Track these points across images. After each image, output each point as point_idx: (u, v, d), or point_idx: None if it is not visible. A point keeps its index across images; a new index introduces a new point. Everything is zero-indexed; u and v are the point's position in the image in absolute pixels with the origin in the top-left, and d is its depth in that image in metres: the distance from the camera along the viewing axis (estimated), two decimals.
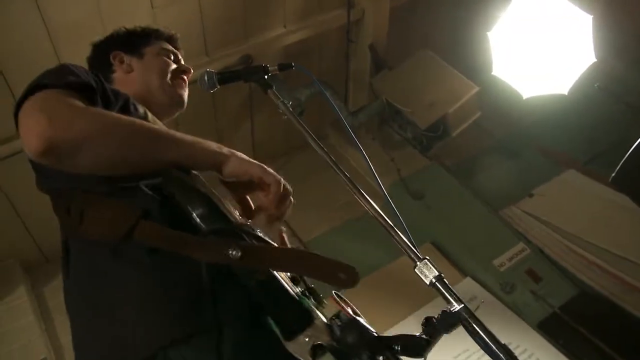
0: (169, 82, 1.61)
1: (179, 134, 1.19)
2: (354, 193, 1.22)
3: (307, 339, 0.99)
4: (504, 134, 4.59)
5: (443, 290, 1.02)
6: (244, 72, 1.48)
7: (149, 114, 1.37)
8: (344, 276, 1.05)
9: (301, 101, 3.65)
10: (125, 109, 1.27)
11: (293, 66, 1.51)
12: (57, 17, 2.81)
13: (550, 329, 3.33)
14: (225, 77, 1.51)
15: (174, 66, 1.66)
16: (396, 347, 1.00)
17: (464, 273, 3.65)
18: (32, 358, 3.00)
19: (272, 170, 1.22)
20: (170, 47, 1.71)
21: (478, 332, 0.98)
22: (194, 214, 1.03)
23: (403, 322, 3.32)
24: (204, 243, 1.01)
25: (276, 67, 1.47)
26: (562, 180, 4.18)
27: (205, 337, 0.98)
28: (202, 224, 1.02)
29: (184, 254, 1.00)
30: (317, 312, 1.08)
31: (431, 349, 1.01)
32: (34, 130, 1.01)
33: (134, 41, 1.67)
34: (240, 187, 1.23)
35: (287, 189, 1.23)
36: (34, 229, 3.36)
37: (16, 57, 2.78)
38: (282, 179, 1.22)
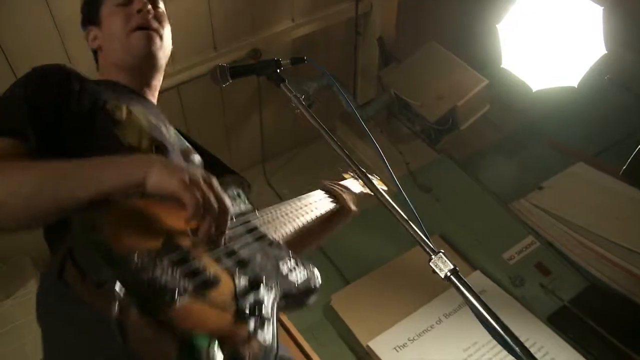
0: (127, 36, 1.41)
1: (90, 168, 1.05)
2: (368, 186, 1.21)
3: None
4: (513, 127, 4.57)
5: (458, 284, 1.02)
6: (257, 67, 1.47)
7: (123, 111, 1.28)
8: None
9: (309, 94, 3.66)
10: (93, 113, 1.21)
11: (305, 60, 1.50)
12: (65, 10, 2.80)
13: (560, 322, 3.33)
14: (238, 71, 1.49)
15: (125, 16, 1.42)
16: None
17: (473, 266, 3.64)
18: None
19: (198, 183, 1.03)
20: None
21: (490, 322, 0.98)
22: (88, 266, 0.91)
23: (414, 314, 3.33)
24: (99, 294, 0.89)
25: (289, 61, 1.47)
26: (572, 173, 4.16)
27: None
28: (93, 277, 0.90)
29: (90, 303, 0.91)
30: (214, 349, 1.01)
31: None
32: None
33: (91, 8, 1.50)
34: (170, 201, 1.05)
35: (215, 207, 1.03)
36: None
37: (24, 51, 2.79)
38: (208, 195, 1.02)
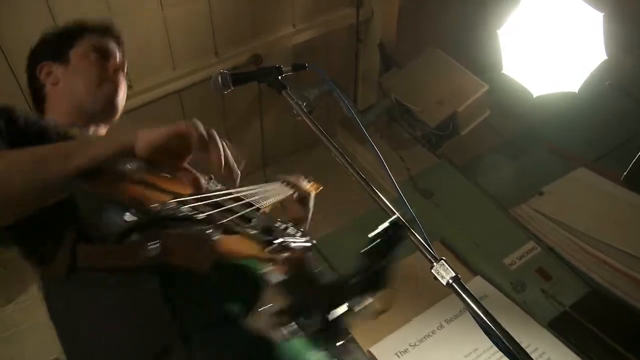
0: (97, 88, 1.46)
1: (74, 142, 1.10)
2: (368, 192, 1.21)
3: (266, 309, 0.98)
4: (514, 132, 4.57)
5: (460, 291, 1.02)
6: (258, 73, 1.47)
7: (75, 132, 1.30)
8: None
9: (310, 101, 3.66)
10: (43, 138, 1.21)
11: (307, 67, 1.50)
12: (66, 13, 2.80)
13: (561, 328, 3.31)
14: (240, 78, 1.49)
15: (101, 68, 1.49)
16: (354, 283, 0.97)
17: (474, 272, 3.64)
18: (43, 358, 3.02)
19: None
20: (102, 43, 1.52)
21: (492, 330, 0.98)
22: (101, 221, 0.96)
23: (415, 320, 3.33)
24: (121, 249, 0.94)
25: (290, 68, 1.47)
26: (573, 178, 4.16)
27: (175, 354, 0.97)
28: (110, 229, 0.94)
29: (117, 266, 0.95)
30: (270, 274, 1.04)
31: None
32: None
33: (59, 44, 1.51)
34: (169, 158, 1.06)
35: (207, 129, 1.06)
36: None
37: (25, 52, 2.78)
38: (196, 123, 1.04)
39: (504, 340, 0.97)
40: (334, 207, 4.04)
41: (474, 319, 1.02)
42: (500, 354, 0.98)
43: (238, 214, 1.07)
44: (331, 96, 3.86)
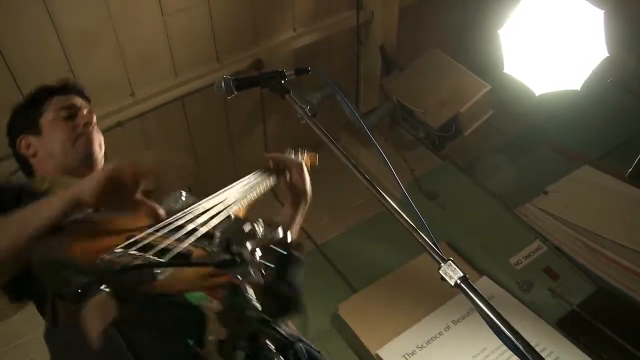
0: (72, 147, 1.53)
1: (26, 208, 1.14)
2: (375, 195, 1.21)
3: (210, 339, 0.97)
4: (517, 132, 4.57)
5: (468, 291, 1.01)
6: (262, 78, 1.48)
7: (49, 181, 1.38)
8: None
9: (313, 104, 3.66)
10: (19, 201, 1.24)
11: (309, 70, 1.50)
12: (68, 24, 2.83)
13: (569, 326, 3.31)
14: (243, 83, 1.50)
15: (71, 127, 1.55)
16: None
17: (480, 272, 3.63)
18: None
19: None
20: (67, 102, 1.59)
21: (501, 329, 0.98)
22: (60, 287, 0.95)
23: (422, 321, 3.32)
24: (74, 310, 0.93)
25: (293, 72, 1.47)
26: (577, 177, 4.16)
27: None
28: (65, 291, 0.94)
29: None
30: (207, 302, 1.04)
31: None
32: None
33: (29, 115, 1.58)
34: (120, 198, 1.12)
35: (131, 164, 1.12)
36: None
37: (28, 64, 2.81)
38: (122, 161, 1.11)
39: (513, 340, 0.97)
40: (339, 211, 4.04)
41: (483, 318, 1.01)
42: (508, 354, 0.98)
43: (190, 240, 1.07)
44: (333, 100, 3.86)
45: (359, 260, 3.68)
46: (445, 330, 3.30)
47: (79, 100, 1.62)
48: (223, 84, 1.49)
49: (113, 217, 1.12)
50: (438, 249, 1.09)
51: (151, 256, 0.97)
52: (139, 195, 1.14)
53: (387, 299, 3.45)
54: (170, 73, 3.34)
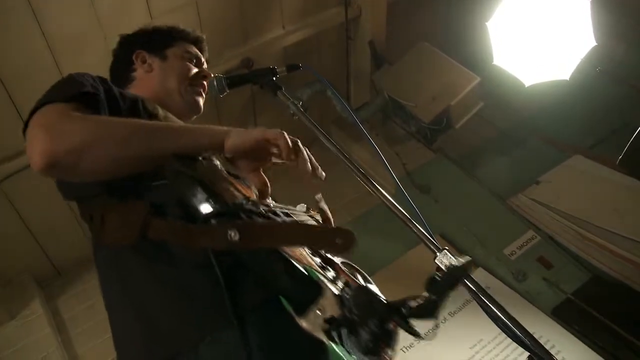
0: (187, 87, 1.59)
1: (176, 125, 1.21)
2: (369, 188, 1.22)
3: (318, 312, 0.99)
4: (508, 124, 4.59)
5: (465, 280, 1.03)
6: (253, 75, 1.50)
7: (160, 111, 1.37)
8: (340, 241, 1.03)
9: (303, 101, 3.66)
10: (134, 110, 1.27)
11: (300, 67, 1.52)
12: (56, 30, 2.82)
13: (564, 314, 3.33)
14: (235, 81, 1.52)
15: (194, 71, 1.63)
16: (405, 311, 0.99)
17: (475, 264, 3.64)
18: None
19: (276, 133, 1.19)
20: (194, 50, 1.69)
21: (499, 317, 0.99)
22: (192, 202, 1.02)
23: None
24: (204, 230, 1.01)
25: (284, 69, 1.48)
26: (568, 166, 4.18)
27: (230, 332, 1.00)
28: (200, 211, 1.01)
29: (191, 245, 1.01)
30: (328, 284, 1.07)
31: (441, 308, 0.98)
32: (34, 147, 1.03)
33: (158, 41, 1.66)
34: (250, 160, 1.21)
35: (293, 139, 1.20)
36: (45, 243, 3.37)
37: (17, 71, 2.80)
38: (284, 132, 1.18)
39: (512, 327, 0.98)
40: (332, 206, 4.04)
41: (481, 307, 1.02)
42: (506, 343, 1.00)
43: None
44: (323, 97, 3.86)
45: (353, 255, 3.68)
46: (441, 322, 3.32)
47: (203, 56, 1.73)
48: (215, 83, 1.50)
49: (231, 177, 1.21)
50: (433, 239, 1.10)
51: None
52: (260, 167, 1.23)
53: (383, 292, 3.45)
54: None
